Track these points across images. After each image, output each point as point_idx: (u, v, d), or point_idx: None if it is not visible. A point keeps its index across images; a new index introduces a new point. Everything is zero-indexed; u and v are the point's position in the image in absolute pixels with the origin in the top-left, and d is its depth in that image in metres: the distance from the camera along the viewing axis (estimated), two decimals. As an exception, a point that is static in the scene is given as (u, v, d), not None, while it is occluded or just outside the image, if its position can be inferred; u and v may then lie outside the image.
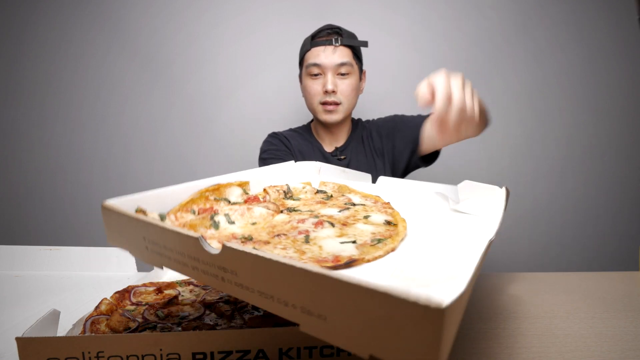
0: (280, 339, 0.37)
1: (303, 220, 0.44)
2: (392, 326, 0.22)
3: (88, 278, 0.69)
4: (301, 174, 0.69)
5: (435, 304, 0.20)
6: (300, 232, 0.39)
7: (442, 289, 0.30)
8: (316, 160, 1.12)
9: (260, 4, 1.49)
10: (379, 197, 0.59)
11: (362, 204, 0.54)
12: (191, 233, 0.30)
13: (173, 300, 0.49)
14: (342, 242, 0.38)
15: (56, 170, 1.57)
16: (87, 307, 0.50)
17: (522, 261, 1.52)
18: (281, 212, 0.50)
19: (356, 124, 1.16)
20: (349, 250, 0.36)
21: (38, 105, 1.55)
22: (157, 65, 1.52)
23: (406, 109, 1.50)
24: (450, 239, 0.43)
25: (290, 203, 0.55)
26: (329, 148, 1.14)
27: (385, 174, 1.11)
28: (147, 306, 0.48)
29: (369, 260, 0.36)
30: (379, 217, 0.47)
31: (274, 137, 1.15)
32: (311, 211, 0.50)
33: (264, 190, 0.57)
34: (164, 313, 0.46)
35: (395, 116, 1.13)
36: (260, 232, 0.42)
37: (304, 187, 0.61)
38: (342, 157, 1.12)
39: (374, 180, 0.74)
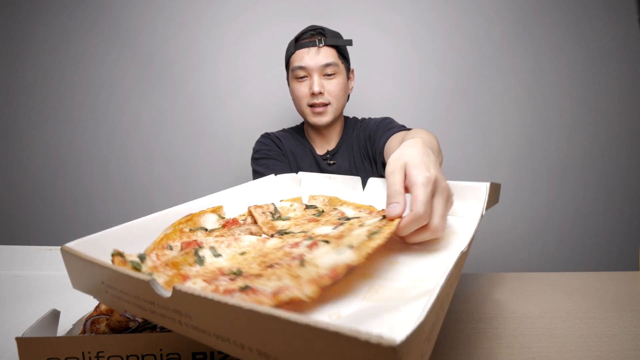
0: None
1: (297, 244, 0.40)
2: None
3: (88, 278, 0.69)
4: (281, 188, 0.66)
5: (388, 342, 0.19)
6: (294, 258, 0.36)
7: (399, 320, 0.29)
8: (307, 162, 1.12)
9: (260, 4, 1.49)
10: (372, 206, 0.56)
11: (356, 217, 0.50)
12: (142, 276, 0.29)
13: (173, 300, 0.49)
14: (339, 253, 0.35)
15: (56, 170, 1.57)
16: (87, 307, 0.50)
17: (522, 261, 1.52)
18: (272, 236, 0.47)
19: (349, 123, 1.15)
20: (347, 256, 0.34)
21: (38, 105, 1.55)
22: (157, 65, 1.52)
23: (406, 109, 1.50)
24: (427, 247, 0.42)
25: (280, 225, 0.51)
26: (320, 150, 1.13)
27: (373, 173, 1.10)
28: (147, 306, 0.48)
29: (368, 254, 0.34)
30: (374, 221, 0.45)
31: (266, 137, 1.15)
32: (304, 232, 0.47)
33: (249, 211, 0.54)
34: (164, 313, 0.46)
35: (385, 119, 1.09)
36: (250, 263, 0.38)
37: (291, 205, 0.58)
38: (332, 162, 1.11)
39: (364, 183, 0.73)
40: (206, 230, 0.49)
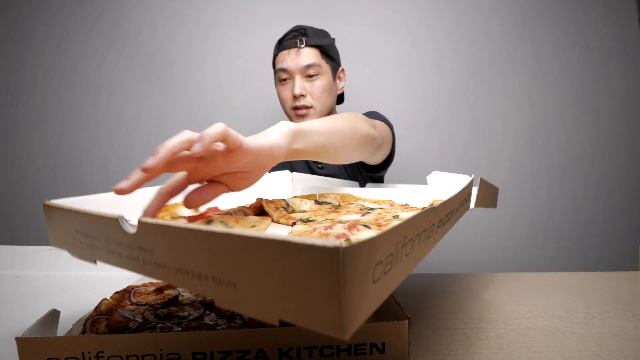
0: (280, 339, 0.37)
1: (330, 227, 0.38)
2: (294, 281, 0.20)
3: (88, 278, 0.69)
4: (274, 186, 0.65)
5: (332, 245, 0.18)
6: (338, 237, 0.34)
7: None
8: (300, 164, 1.10)
9: (260, 4, 1.49)
10: (391, 200, 0.56)
11: (380, 208, 0.49)
12: (111, 214, 0.29)
13: (173, 300, 0.49)
14: None
15: (56, 170, 1.57)
16: (87, 307, 0.50)
17: (522, 261, 1.52)
18: (293, 224, 0.46)
19: None
20: None
21: (38, 105, 1.55)
22: (157, 65, 1.52)
23: (406, 109, 1.50)
24: None
25: (298, 215, 0.49)
26: None
27: (363, 176, 1.08)
28: (147, 306, 0.48)
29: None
30: (408, 214, 0.43)
31: None
32: (330, 219, 0.45)
33: (262, 205, 0.52)
34: (164, 313, 0.46)
35: (370, 113, 1.03)
36: None
37: (301, 201, 0.57)
38: (320, 166, 1.09)
39: (361, 185, 0.73)
40: (185, 218, 0.48)
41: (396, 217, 0.44)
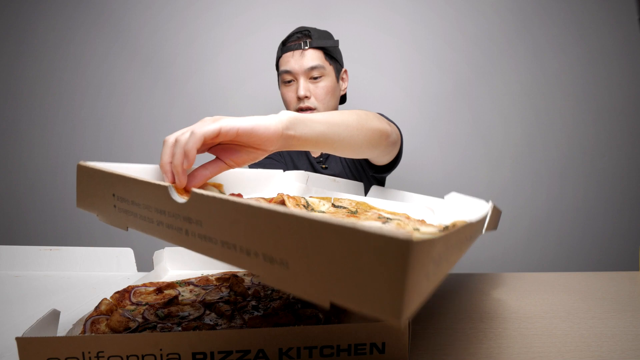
0: (280, 339, 0.37)
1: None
2: (355, 266, 0.20)
3: (88, 278, 0.69)
4: (288, 183, 0.66)
5: (403, 237, 0.19)
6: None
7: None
8: (304, 164, 1.11)
9: (260, 4, 1.49)
10: (407, 214, 0.56)
11: (397, 219, 0.50)
12: (162, 182, 0.29)
13: (173, 300, 0.49)
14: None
15: (56, 170, 1.57)
16: (87, 307, 0.50)
17: (522, 261, 1.52)
18: None
19: None
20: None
21: (38, 105, 1.55)
22: (157, 65, 1.52)
23: (407, 109, 1.50)
24: None
25: (318, 215, 0.51)
26: (314, 153, 1.12)
27: (368, 177, 1.09)
28: (147, 306, 0.48)
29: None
30: (429, 229, 0.44)
31: None
32: None
33: (283, 200, 0.53)
34: (164, 313, 0.46)
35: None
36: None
37: (319, 201, 0.58)
38: (324, 166, 1.09)
39: (366, 187, 0.73)
40: None
41: (416, 229, 0.44)
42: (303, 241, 0.22)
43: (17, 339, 0.35)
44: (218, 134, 0.39)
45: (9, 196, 1.59)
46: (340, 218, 0.21)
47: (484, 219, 0.40)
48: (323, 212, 0.54)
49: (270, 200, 0.53)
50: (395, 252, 0.19)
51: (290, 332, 0.37)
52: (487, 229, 0.48)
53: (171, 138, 0.42)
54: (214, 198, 0.26)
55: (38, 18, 1.52)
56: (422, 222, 0.51)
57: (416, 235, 0.19)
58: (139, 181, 0.31)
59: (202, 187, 0.50)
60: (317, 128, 0.47)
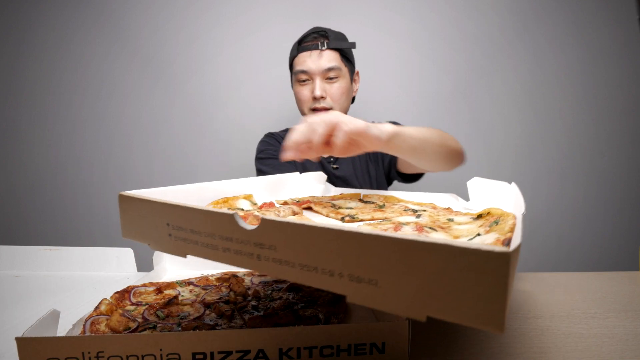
0: (280, 339, 0.37)
1: (398, 228, 0.41)
2: (451, 281, 0.21)
3: (88, 278, 0.69)
4: (309, 185, 0.67)
5: (501, 250, 0.20)
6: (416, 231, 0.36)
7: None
8: (313, 164, 1.11)
9: (261, 4, 1.49)
10: (433, 203, 0.57)
11: (423, 210, 0.52)
12: (225, 211, 0.30)
13: (173, 300, 0.49)
14: (470, 239, 0.34)
15: (56, 170, 1.57)
16: (87, 307, 0.50)
17: (522, 261, 1.51)
18: (342, 219, 0.49)
19: None
20: (488, 240, 0.34)
21: (38, 105, 1.55)
22: (157, 65, 1.52)
23: (407, 109, 1.50)
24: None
25: (346, 211, 0.53)
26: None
27: (378, 181, 1.09)
28: (147, 306, 0.48)
29: (508, 237, 0.33)
30: (462, 218, 0.45)
31: (270, 137, 1.14)
32: (387, 218, 0.48)
33: (310, 203, 0.56)
34: (164, 313, 0.46)
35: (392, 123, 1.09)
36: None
37: (345, 201, 0.59)
38: (335, 166, 1.09)
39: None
40: (243, 210, 0.51)
41: (450, 220, 0.45)
42: (393, 260, 0.23)
43: (17, 339, 0.35)
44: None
45: (9, 196, 1.59)
46: (425, 235, 0.22)
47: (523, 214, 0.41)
48: (351, 208, 0.55)
49: (299, 204, 0.55)
50: (494, 266, 0.20)
51: (290, 332, 0.37)
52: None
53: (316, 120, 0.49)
54: (287, 224, 0.26)
55: (38, 18, 1.52)
56: (449, 210, 0.52)
57: (512, 245, 0.20)
58: (200, 210, 0.31)
59: (232, 199, 0.52)
60: (412, 143, 0.57)
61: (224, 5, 1.50)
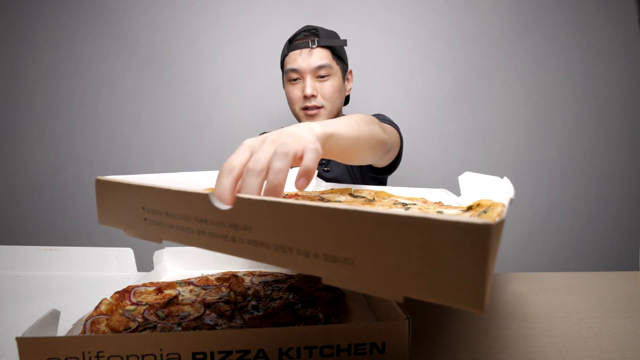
0: (280, 339, 0.37)
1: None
2: (429, 259, 0.20)
3: (88, 278, 0.69)
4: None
5: (482, 222, 0.18)
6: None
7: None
8: None
9: (260, 4, 1.49)
10: (424, 198, 0.56)
11: (413, 204, 0.50)
12: (200, 191, 0.28)
13: (173, 300, 0.49)
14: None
15: (56, 170, 1.57)
16: (87, 307, 0.50)
17: (522, 261, 1.52)
18: None
19: None
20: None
21: (38, 105, 1.55)
22: (157, 65, 1.52)
23: (407, 109, 1.50)
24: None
25: (335, 205, 0.52)
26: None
27: (355, 177, 1.08)
28: (147, 306, 0.48)
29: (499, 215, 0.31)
30: (452, 210, 0.44)
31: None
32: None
33: (298, 196, 0.54)
34: (164, 313, 0.46)
35: (377, 116, 1.02)
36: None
37: (334, 195, 0.58)
38: (326, 169, 1.08)
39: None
40: None
41: (440, 212, 0.44)
42: (369, 237, 0.21)
43: (17, 339, 0.35)
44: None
45: (9, 196, 1.59)
46: (406, 212, 0.21)
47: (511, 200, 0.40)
48: (340, 201, 0.54)
49: (287, 197, 0.53)
50: (475, 240, 0.19)
51: (290, 332, 0.37)
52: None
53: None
54: (262, 201, 0.25)
55: (38, 18, 1.52)
56: (440, 204, 0.52)
57: (494, 219, 0.19)
58: (174, 191, 0.29)
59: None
60: (343, 144, 0.48)
61: (224, 5, 1.50)
